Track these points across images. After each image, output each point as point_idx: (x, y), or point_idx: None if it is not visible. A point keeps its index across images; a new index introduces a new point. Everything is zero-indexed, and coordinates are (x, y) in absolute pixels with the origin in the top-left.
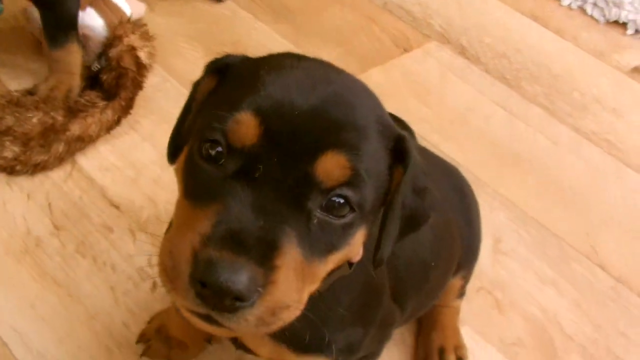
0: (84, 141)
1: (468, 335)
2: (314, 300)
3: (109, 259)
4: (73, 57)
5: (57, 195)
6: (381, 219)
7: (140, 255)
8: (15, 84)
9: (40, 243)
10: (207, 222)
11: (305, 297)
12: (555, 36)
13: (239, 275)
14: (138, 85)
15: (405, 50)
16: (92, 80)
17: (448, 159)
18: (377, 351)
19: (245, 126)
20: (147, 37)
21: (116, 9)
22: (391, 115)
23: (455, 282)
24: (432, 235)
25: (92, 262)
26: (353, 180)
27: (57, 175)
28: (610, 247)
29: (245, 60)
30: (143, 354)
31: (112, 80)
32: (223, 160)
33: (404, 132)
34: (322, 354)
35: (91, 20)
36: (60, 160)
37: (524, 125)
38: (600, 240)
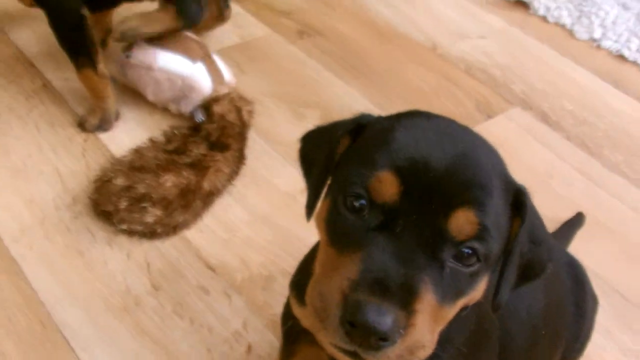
0: (213, 194)
1: None
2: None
3: (206, 320)
4: (94, 83)
5: (155, 255)
6: (501, 265)
7: (235, 318)
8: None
9: (140, 302)
10: (355, 268)
11: (436, 337)
12: (636, 102)
13: (385, 318)
14: (243, 139)
15: (489, 117)
16: (193, 130)
17: None
18: None
19: (387, 185)
20: (245, 99)
21: (219, 71)
22: None
23: None
24: (544, 304)
25: (190, 323)
26: (481, 234)
27: None
28: None
29: (379, 120)
30: None
31: (216, 132)
32: (366, 212)
33: (521, 185)
34: None
35: (199, 73)
36: (196, 216)
37: (605, 193)
38: None
